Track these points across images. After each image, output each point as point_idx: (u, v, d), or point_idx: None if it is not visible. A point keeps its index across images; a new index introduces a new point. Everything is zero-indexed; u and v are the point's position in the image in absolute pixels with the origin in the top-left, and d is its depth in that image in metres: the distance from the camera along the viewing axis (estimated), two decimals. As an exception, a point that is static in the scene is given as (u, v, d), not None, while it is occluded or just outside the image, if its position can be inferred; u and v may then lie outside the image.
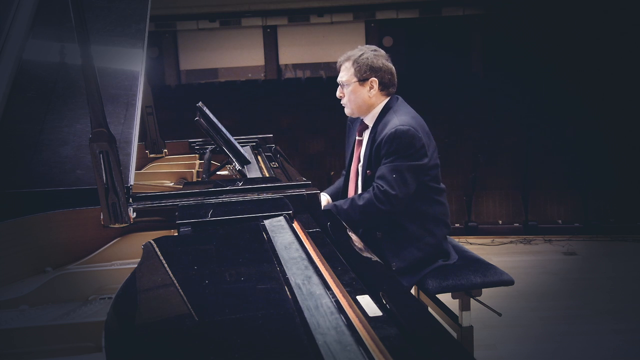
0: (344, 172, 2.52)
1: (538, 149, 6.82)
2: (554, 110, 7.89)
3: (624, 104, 7.79)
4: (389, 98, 2.25)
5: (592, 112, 7.75)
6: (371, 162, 2.19)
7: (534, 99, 8.40)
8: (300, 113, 8.97)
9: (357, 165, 2.32)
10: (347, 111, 2.31)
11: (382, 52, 2.25)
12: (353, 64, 2.21)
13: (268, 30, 12.10)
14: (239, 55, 12.39)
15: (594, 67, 9.49)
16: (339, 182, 2.50)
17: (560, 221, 5.57)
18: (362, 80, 2.20)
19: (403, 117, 2.13)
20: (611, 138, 6.81)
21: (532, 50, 10.50)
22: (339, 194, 2.43)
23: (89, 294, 1.45)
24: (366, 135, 2.29)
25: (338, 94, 2.29)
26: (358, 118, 2.36)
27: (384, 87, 2.22)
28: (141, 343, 0.88)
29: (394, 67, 2.25)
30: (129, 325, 0.96)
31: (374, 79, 2.20)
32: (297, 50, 12.36)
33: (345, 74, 2.24)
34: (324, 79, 11.82)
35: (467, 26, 11.53)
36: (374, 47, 2.27)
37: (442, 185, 2.25)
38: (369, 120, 2.27)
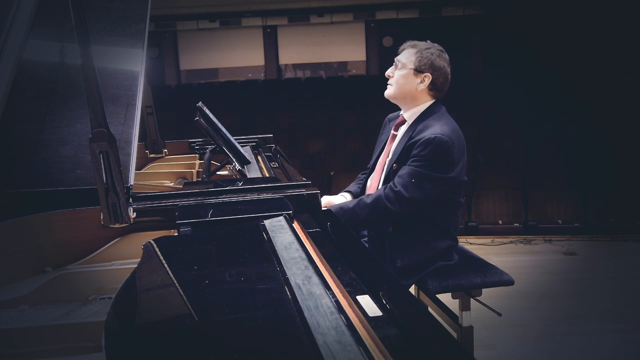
0: (360, 176, 2.52)
1: (538, 149, 6.82)
2: (554, 110, 7.89)
3: (625, 104, 7.78)
4: (434, 101, 2.24)
5: (593, 112, 7.75)
6: (401, 157, 2.17)
7: (534, 99, 8.40)
8: (300, 113, 8.96)
9: (385, 159, 2.30)
10: (388, 91, 2.26)
11: (447, 56, 2.24)
12: (417, 52, 2.19)
13: (268, 30, 12.09)
14: (239, 55, 12.38)
15: (595, 67, 9.48)
16: (356, 182, 2.50)
17: (560, 221, 5.57)
18: (417, 70, 2.18)
19: (446, 128, 2.11)
20: (611, 138, 6.81)
21: (532, 51, 10.50)
22: (359, 191, 2.43)
23: (89, 294, 1.45)
24: (402, 130, 2.27)
25: (389, 72, 2.26)
26: (396, 118, 2.35)
27: (433, 87, 2.21)
28: (141, 343, 0.88)
29: (450, 75, 2.24)
30: (129, 325, 0.96)
31: (428, 74, 2.18)
32: (297, 50, 12.35)
33: (405, 58, 2.21)
34: (324, 79, 11.81)
35: (467, 26, 11.52)
36: (441, 47, 2.25)
37: (462, 199, 2.24)
38: (409, 116, 2.25)
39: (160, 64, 12.18)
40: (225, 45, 12.32)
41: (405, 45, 2.26)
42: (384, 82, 2.29)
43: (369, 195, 2.15)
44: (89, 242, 1.60)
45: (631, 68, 8.83)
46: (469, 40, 11.67)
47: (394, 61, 2.27)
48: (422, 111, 2.22)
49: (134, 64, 1.86)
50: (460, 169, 2.14)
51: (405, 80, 2.21)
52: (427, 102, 2.23)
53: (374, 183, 2.32)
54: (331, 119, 8.41)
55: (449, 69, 2.23)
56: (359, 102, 9.00)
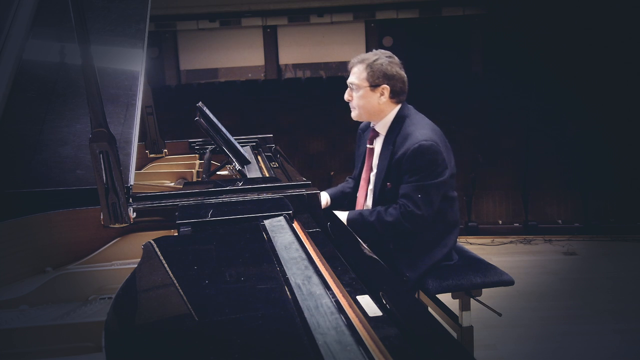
0: (348, 179, 2.50)
1: (538, 149, 6.82)
2: (554, 110, 7.89)
3: (624, 104, 7.78)
4: (399, 106, 2.21)
5: (592, 112, 7.75)
6: (390, 173, 2.15)
7: (534, 99, 8.40)
8: (300, 113, 8.96)
9: (369, 174, 2.28)
10: (353, 114, 2.24)
11: (397, 59, 2.19)
12: (366, 67, 2.14)
13: (268, 30, 12.10)
14: (239, 55, 12.39)
15: (594, 67, 9.49)
16: (342, 185, 2.48)
17: (560, 221, 5.56)
18: (373, 86, 2.14)
19: (424, 131, 2.09)
20: (611, 138, 6.80)
21: (532, 50, 10.50)
22: (340, 196, 2.42)
23: (89, 294, 1.45)
24: (378, 143, 2.25)
25: (346, 96, 2.22)
26: (368, 127, 2.33)
27: (394, 95, 2.17)
28: (141, 343, 0.88)
29: (406, 76, 2.20)
30: (129, 325, 0.96)
31: (385, 86, 2.14)
32: (297, 50, 12.36)
33: (357, 77, 2.16)
34: (324, 79, 11.81)
35: (467, 26, 11.53)
36: (388, 53, 2.20)
37: (455, 193, 2.23)
38: (381, 128, 2.22)
39: (160, 64, 12.20)
40: (225, 45, 12.33)
41: (351, 63, 2.20)
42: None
43: (387, 211, 2.10)
44: (89, 242, 1.60)
45: (631, 68, 8.83)
46: (469, 40, 11.68)
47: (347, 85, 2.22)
48: (392, 120, 2.20)
49: (134, 64, 1.86)
50: (449, 163, 2.14)
51: (366, 100, 2.17)
52: (394, 110, 2.20)
53: (361, 200, 2.31)
54: (331, 119, 8.40)
55: (402, 72, 2.18)
56: (359, 102, 8.97)
